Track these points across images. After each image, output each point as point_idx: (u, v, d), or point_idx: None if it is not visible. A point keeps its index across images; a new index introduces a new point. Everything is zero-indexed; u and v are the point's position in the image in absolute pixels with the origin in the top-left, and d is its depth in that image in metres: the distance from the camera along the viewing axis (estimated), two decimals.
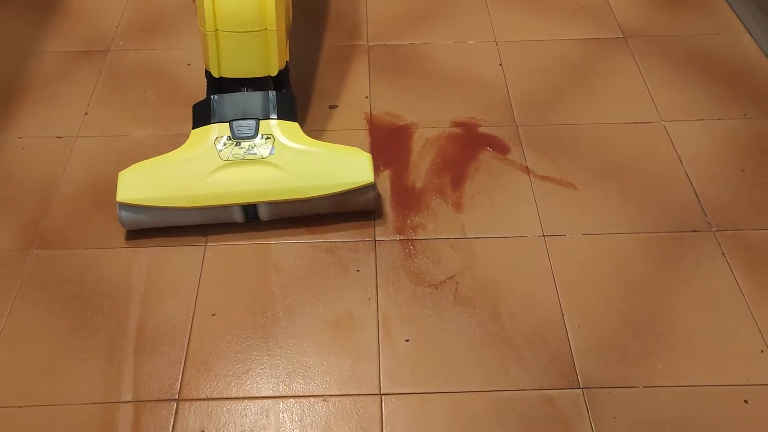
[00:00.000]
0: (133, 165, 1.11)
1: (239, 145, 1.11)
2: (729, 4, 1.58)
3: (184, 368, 0.97)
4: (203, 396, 0.94)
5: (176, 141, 1.28)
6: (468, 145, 1.29)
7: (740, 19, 1.54)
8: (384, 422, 0.91)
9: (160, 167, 1.11)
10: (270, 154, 1.10)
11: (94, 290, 1.06)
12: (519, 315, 1.03)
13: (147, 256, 1.11)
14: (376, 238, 1.14)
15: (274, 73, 1.16)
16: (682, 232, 1.13)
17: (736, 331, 1.00)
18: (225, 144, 1.11)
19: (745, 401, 0.92)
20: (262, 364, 0.98)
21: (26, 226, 1.15)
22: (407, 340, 1.00)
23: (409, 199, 1.20)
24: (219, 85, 1.17)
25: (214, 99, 1.15)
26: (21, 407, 0.93)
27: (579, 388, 0.94)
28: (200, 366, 0.97)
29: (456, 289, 1.07)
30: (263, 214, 1.12)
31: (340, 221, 1.15)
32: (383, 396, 0.94)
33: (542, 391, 0.94)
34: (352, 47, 1.50)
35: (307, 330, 1.02)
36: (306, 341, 1.00)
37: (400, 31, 1.54)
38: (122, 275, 1.08)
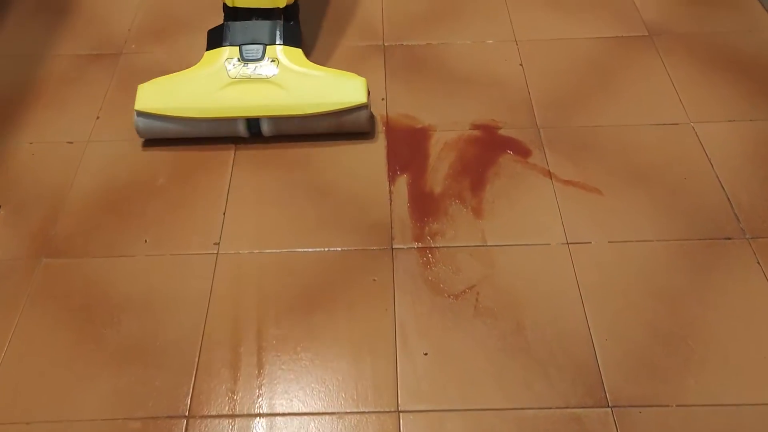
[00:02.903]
0: (152, 79, 1.23)
1: (247, 65, 1.21)
2: (758, 0, 1.52)
3: (194, 382, 0.94)
4: (214, 413, 0.91)
5: (189, 145, 1.25)
6: (488, 148, 1.25)
7: None
8: None
9: (176, 82, 1.22)
10: (274, 74, 1.21)
11: (103, 300, 1.03)
12: (542, 327, 0.99)
13: (156, 263, 1.08)
14: (393, 246, 1.10)
15: (282, 5, 1.26)
16: (714, 239, 1.08)
17: None
18: (234, 65, 1.21)
19: None
20: (275, 379, 0.94)
21: (36, 233, 1.13)
22: (426, 354, 0.96)
23: (427, 205, 1.16)
24: (232, 14, 1.28)
25: (227, 25, 1.26)
26: (29, 423, 0.90)
27: (608, 406, 0.90)
28: (211, 380, 0.94)
29: (476, 299, 1.02)
30: (266, 129, 1.22)
31: (355, 227, 1.12)
32: (401, 413, 0.90)
33: (569, 410, 0.89)
34: (367, 48, 1.46)
35: (322, 343, 0.98)
36: (320, 354, 0.97)
37: (417, 30, 1.49)
38: (131, 285, 1.05)
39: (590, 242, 1.09)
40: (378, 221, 1.13)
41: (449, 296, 1.03)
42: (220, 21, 1.59)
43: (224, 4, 1.28)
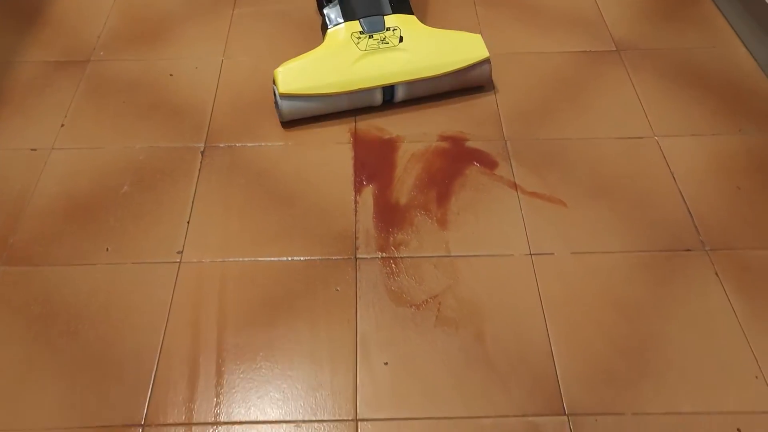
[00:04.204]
0: (285, 63, 1.27)
1: (372, 37, 1.29)
2: (725, 17, 1.55)
3: (151, 392, 0.93)
4: (171, 421, 0.90)
5: (155, 154, 1.25)
6: (455, 160, 1.25)
7: (736, 33, 1.51)
8: None
9: (311, 62, 1.28)
10: (400, 42, 1.29)
11: (61, 309, 1.02)
12: (503, 338, 0.99)
13: (117, 272, 1.06)
14: (357, 256, 1.10)
15: None
16: (675, 251, 1.09)
17: (729, 356, 0.95)
18: (359, 38, 1.28)
19: (738, 430, 0.88)
20: (234, 388, 0.93)
21: None
22: (386, 364, 0.96)
23: (392, 216, 1.16)
24: None
25: (343, 2, 1.33)
26: None
27: (564, 414, 0.90)
28: (168, 389, 0.93)
29: (438, 309, 1.02)
30: (399, 95, 1.31)
31: (320, 237, 1.11)
32: (359, 422, 0.90)
33: (526, 418, 0.89)
34: None
35: (282, 353, 0.97)
36: (280, 364, 0.96)
37: None
38: (91, 294, 1.04)
39: (553, 253, 1.10)
40: (343, 231, 1.13)
41: (411, 306, 1.03)
42: (194, 30, 1.58)
43: None
